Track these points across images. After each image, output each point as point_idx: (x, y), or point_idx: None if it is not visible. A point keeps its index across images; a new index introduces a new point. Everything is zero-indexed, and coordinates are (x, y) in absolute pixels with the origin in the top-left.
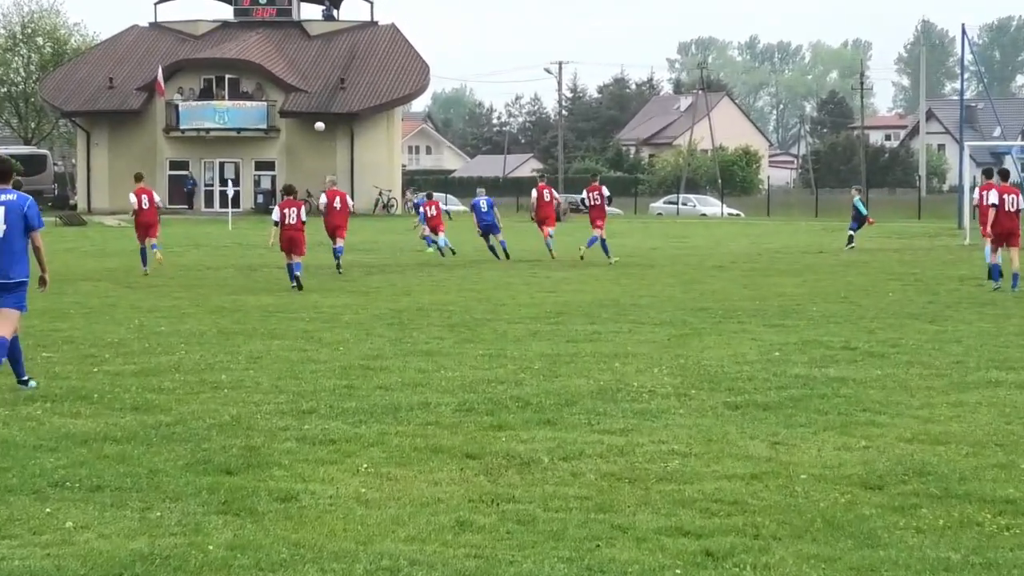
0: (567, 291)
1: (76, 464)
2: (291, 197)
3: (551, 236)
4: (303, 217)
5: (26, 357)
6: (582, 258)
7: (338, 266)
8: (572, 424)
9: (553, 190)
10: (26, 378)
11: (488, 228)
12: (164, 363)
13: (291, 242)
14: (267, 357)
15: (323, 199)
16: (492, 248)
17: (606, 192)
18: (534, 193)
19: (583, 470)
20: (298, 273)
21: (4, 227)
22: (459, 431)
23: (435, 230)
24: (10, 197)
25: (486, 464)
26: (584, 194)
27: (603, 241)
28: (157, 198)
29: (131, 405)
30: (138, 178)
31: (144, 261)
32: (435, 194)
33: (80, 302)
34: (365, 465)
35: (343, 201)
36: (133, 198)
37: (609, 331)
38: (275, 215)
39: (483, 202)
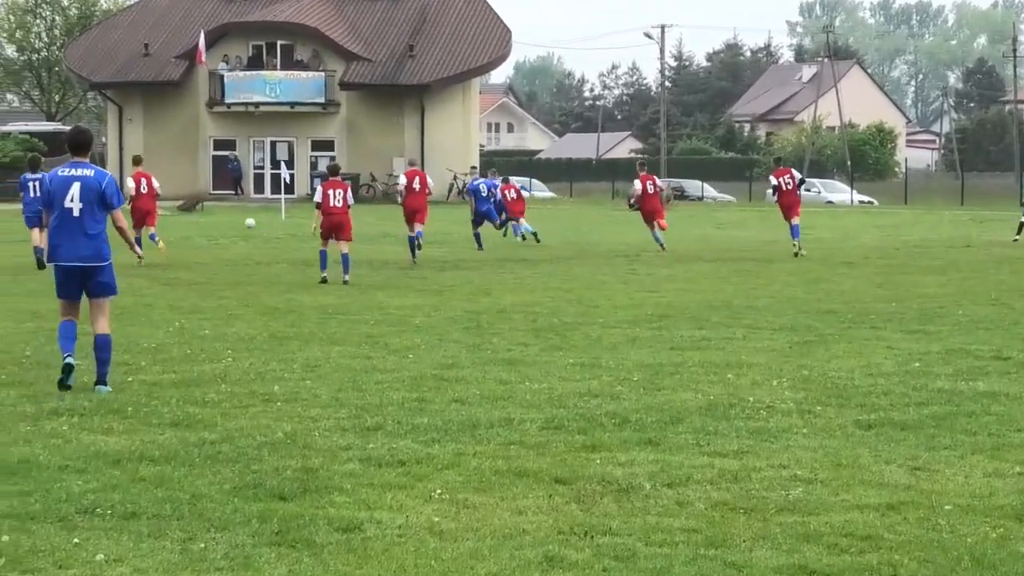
0: (671, 291)
1: (108, 488)
2: (336, 177)
3: (660, 230)
4: (349, 200)
5: (53, 364)
6: (796, 255)
7: (414, 253)
8: (678, 445)
9: (656, 179)
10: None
11: (485, 215)
12: (208, 372)
13: (334, 227)
14: (326, 365)
15: (402, 180)
16: (478, 236)
17: (797, 175)
18: (637, 184)
19: (691, 498)
20: (347, 275)
21: (80, 205)
22: (547, 452)
23: (515, 215)
24: (86, 172)
25: (578, 490)
26: (773, 180)
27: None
28: (156, 184)
29: (170, 420)
30: (136, 161)
31: (139, 245)
32: (512, 178)
33: (112, 301)
34: (439, 490)
35: (423, 182)
36: (131, 182)
37: (720, 337)
38: (317, 195)
39: (483, 185)
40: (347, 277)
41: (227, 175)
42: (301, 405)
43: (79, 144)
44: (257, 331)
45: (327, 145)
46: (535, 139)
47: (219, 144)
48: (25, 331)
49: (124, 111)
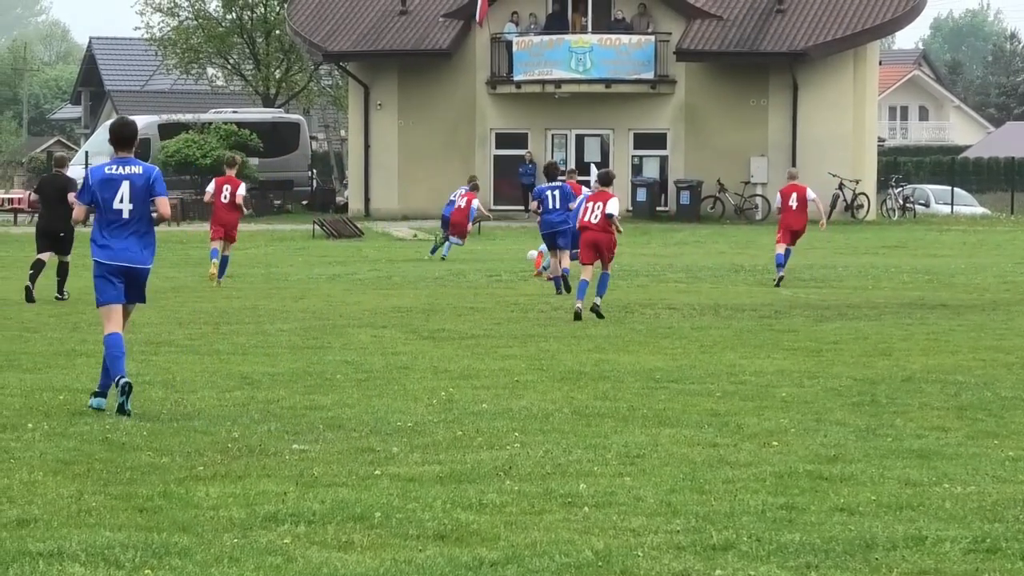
0: None
1: None
2: (608, 188)
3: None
4: (612, 209)
5: (269, 450)
6: None
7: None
8: None
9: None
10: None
11: (558, 237)
12: (487, 462)
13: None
14: (652, 455)
15: (778, 199)
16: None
17: None
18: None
19: None
20: (600, 297)
21: (131, 206)
22: None
23: (458, 230)
24: (135, 169)
25: None
26: None
27: None
28: (244, 192)
29: (434, 531)
30: (231, 163)
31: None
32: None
33: (352, 361)
34: None
35: (801, 198)
36: (212, 187)
37: None
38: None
39: (552, 193)
40: (598, 301)
41: (515, 183)
42: (617, 512)
43: (124, 139)
44: (556, 405)
45: (657, 140)
46: (960, 130)
47: (504, 139)
48: (232, 403)
49: (372, 92)
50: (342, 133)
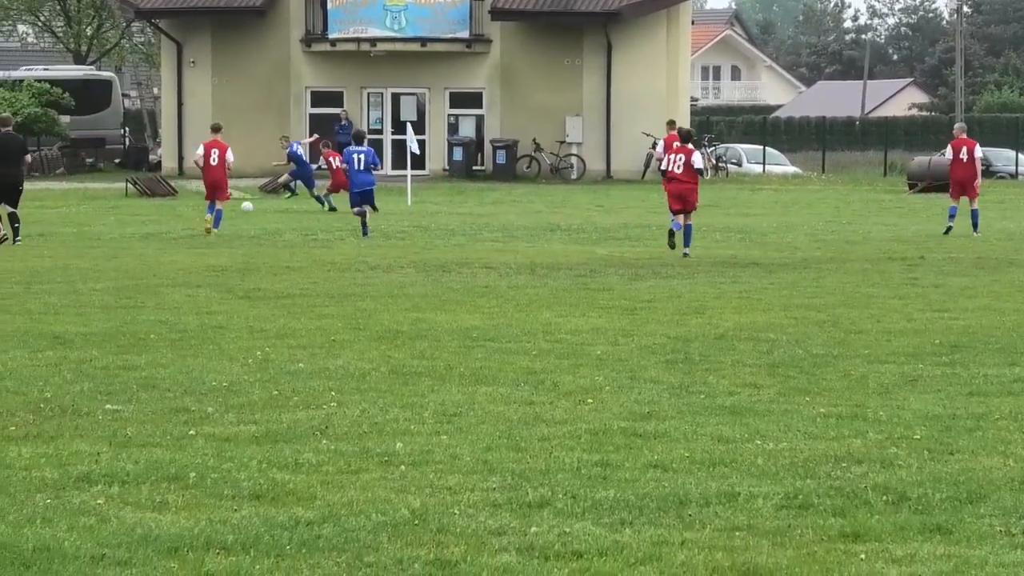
0: (971, 309)
1: None
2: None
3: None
4: (696, 163)
5: (82, 411)
6: None
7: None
8: (979, 534)
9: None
10: None
11: (364, 196)
12: (303, 422)
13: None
14: (469, 414)
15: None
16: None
17: None
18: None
19: None
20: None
21: None
22: (787, 541)
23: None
24: None
25: None
26: None
27: None
28: (230, 157)
29: (250, 491)
30: (216, 129)
31: (216, 221)
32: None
33: (166, 321)
34: None
35: (970, 152)
36: (201, 150)
37: None
38: (664, 163)
39: (359, 156)
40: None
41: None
42: (434, 470)
43: None
44: (372, 364)
45: (472, 99)
46: (772, 89)
47: (319, 98)
48: (45, 363)
49: (185, 50)
50: (155, 91)
